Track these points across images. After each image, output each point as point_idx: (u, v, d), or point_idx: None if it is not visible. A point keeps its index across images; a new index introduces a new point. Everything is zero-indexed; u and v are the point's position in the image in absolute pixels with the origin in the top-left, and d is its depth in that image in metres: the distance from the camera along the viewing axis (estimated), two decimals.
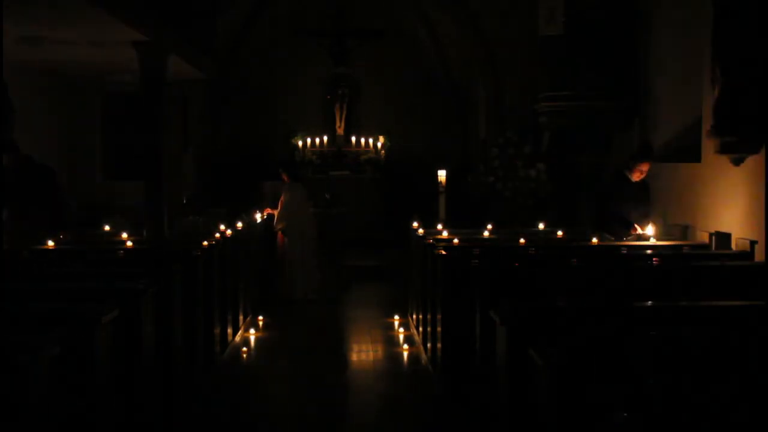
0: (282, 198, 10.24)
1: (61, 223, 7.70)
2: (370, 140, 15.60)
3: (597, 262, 6.59)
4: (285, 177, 10.33)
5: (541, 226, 9.04)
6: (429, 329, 7.04)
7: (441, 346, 6.23)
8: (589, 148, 9.99)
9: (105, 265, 6.37)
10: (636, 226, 7.59)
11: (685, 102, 8.82)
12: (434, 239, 7.53)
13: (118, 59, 9.38)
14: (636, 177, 7.72)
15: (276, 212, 10.27)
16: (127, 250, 7.17)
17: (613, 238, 7.57)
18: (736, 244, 6.92)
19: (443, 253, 6.42)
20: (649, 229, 7.51)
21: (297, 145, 15.46)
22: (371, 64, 15.82)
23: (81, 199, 12.42)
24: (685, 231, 7.82)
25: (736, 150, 6.97)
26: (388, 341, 8.02)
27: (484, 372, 4.86)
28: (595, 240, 7.31)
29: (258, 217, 10.62)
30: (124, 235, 8.25)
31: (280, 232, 10.21)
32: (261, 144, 15.73)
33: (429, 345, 7.05)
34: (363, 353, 7.70)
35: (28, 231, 7.16)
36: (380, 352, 7.63)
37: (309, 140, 15.53)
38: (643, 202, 7.86)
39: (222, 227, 8.50)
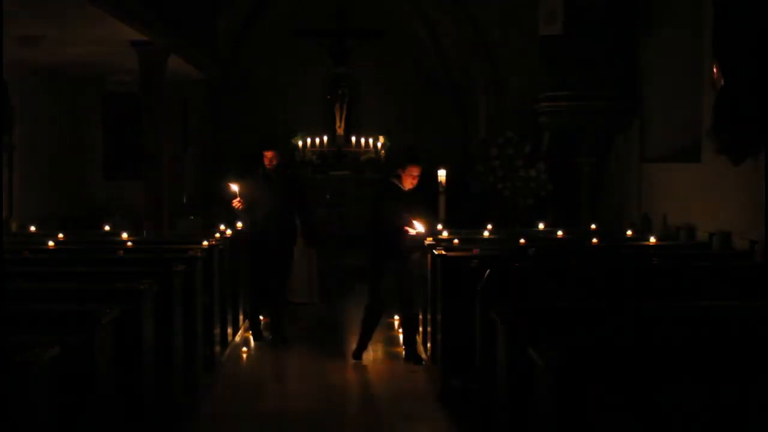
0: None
1: (312, 233, 8.13)
2: (370, 140, 15.60)
3: (597, 262, 6.58)
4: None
5: (541, 226, 9.05)
6: (429, 329, 7.03)
7: (441, 346, 6.23)
8: (589, 148, 9.99)
9: (105, 265, 6.37)
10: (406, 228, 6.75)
11: (685, 102, 8.82)
12: (434, 239, 7.52)
13: (118, 59, 9.39)
14: (407, 184, 6.93)
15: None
16: (127, 250, 7.16)
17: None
18: (736, 244, 6.92)
19: (443, 253, 6.41)
20: (418, 225, 6.67)
21: (297, 145, 15.45)
22: (371, 64, 15.82)
23: (81, 199, 12.44)
24: (685, 231, 7.82)
25: (735, 150, 6.97)
26: (388, 341, 8.01)
27: (484, 372, 4.85)
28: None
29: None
30: (125, 235, 8.25)
31: None
32: (261, 144, 15.70)
33: (429, 345, 7.05)
34: (363, 353, 7.68)
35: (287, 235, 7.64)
36: (380, 352, 7.63)
37: (309, 140, 15.52)
38: (416, 211, 6.86)
39: (222, 227, 8.50)
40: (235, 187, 7.62)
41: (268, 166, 7.77)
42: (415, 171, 6.90)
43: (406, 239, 6.77)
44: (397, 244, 6.83)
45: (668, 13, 9.17)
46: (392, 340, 8.03)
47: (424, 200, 7.19)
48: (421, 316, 7.73)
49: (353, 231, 11.69)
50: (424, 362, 7.09)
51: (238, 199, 7.61)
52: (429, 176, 7.13)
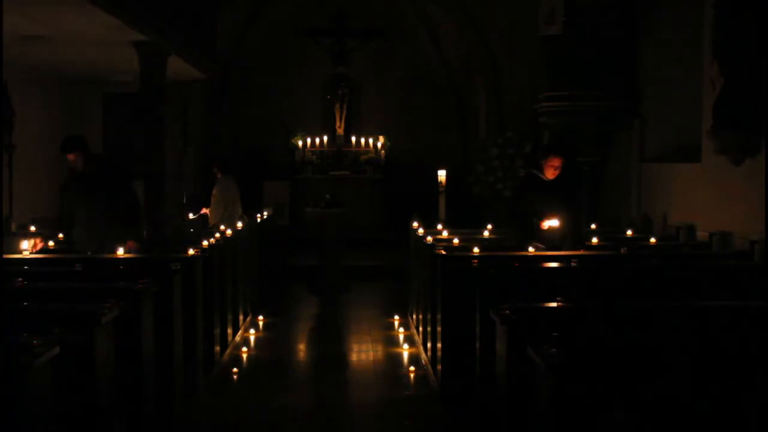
0: (213, 193, 10.19)
1: (138, 226, 7.22)
2: (370, 140, 15.60)
3: (597, 262, 6.58)
4: (217, 172, 10.29)
5: None
6: (429, 329, 7.04)
7: (441, 346, 6.23)
8: (589, 149, 9.99)
9: (105, 265, 6.37)
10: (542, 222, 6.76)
11: (685, 102, 8.83)
12: (434, 239, 7.52)
13: (118, 59, 9.38)
14: (549, 174, 6.82)
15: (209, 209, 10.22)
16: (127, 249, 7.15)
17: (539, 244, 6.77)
18: (736, 244, 6.93)
19: (443, 253, 6.41)
20: (554, 221, 6.71)
21: (297, 145, 15.46)
22: (371, 64, 15.83)
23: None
24: (685, 231, 7.82)
25: (735, 150, 6.98)
26: (388, 341, 8.02)
27: (484, 372, 4.85)
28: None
29: (192, 216, 10.61)
30: None
31: None
32: (261, 144, 15.74)
33: (429, 345, 7.05)
34: (363, 353, 7.69)
35: (109, 233, 6.79)
36: (380, 352, 7.63)
37: (309, 140, 15.53)
38: (568, 204, 6.85)
39: (222, 227, 8.51)
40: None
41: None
42: (555, 162, 6.71)
43: (542, 233, 6.75)
44: (535, 235, 6.81)
45: (668, 13, 9.17)
46: (392, 340, 8.03)
47: (568, 190, 6.93)
48: (421, 316, 7.73)
49: (353, 231, 11.70)
50: None
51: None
52: (573, 165, 6.98)
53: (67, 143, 6.82)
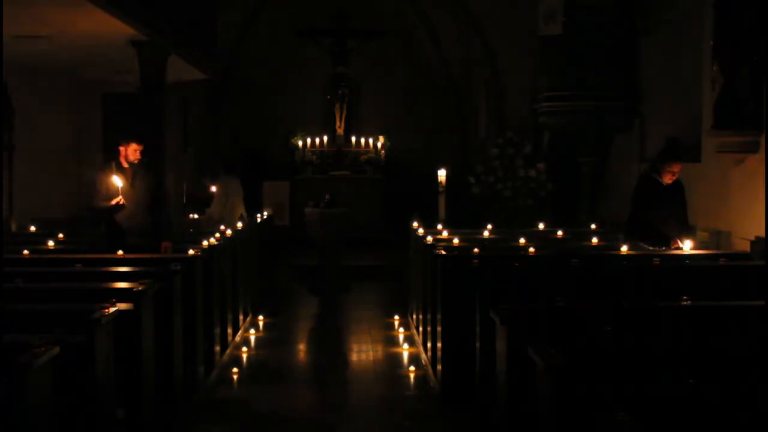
0: (215, 190, 10.09)
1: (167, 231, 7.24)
2: (370, 140, 15.60)
3: (597, 262, 6.58)
4: (221, 171, 10.17)
5: (541, 226, 9.05)
6: (429, 329, 7.04)
7: (441, 346, 6.23)
8: (589, 148, 10.00)
9: (105, 265, 6.37)
10: (677, 239, 6.77)
11: (685, 102, 8.83)
12: (434, 239, 7.53)
13: (118, 59, 9.38)
14: (667, 179, 6.81)
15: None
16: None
17: (649, 247, 6.92)
18: (736, 244, 6.92)
19: (443, 253, 6.41)
20: (687, 244, 6.73)
21: (297, 145, 15.46)
22: (371, 64, 15.83)
23: (81, 199, 12.44)
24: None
25: (735, 150, 6.98)
26: (388, 341, 8.02)
27: (484, 372, 4.86)
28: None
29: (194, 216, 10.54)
30: None
31: None
32: (261, 144, 15.74)
33: (429, 345, 7.05)
34: (363, 353, 7.69)
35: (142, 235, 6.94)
36: (380, 352, 7.63)
37: (309, 140, 15.53)
38: (680, 206, 6.94)
39: (222, 227, 8.50)
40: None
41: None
42: (676, 167, 6.70)
43: (669, 246, 6.70)
44: (649, 239, 6.84)
45: (668, 13, 9.17)
46: (392, 340, 8.03)
47: (679, 192, 6.88)
48: (421, 316, 7.73)
49: (353, 231, 11.69)
50: None
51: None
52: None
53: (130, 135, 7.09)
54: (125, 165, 7.03)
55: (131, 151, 7.00)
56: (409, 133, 15.85)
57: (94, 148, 12.89)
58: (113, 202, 6.88)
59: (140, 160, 7.09)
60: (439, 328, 6.33)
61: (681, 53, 8.93)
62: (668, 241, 6.77)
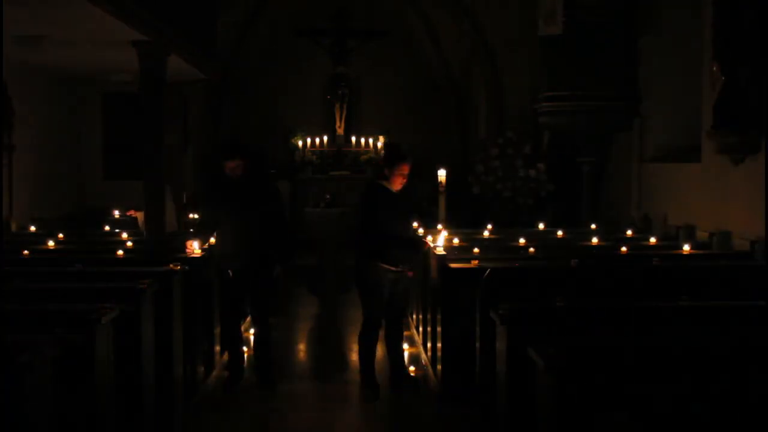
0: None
1: (287, 243, 6.72)
2: (370, 140, 15.60)
3: (597, 262, 6.58)
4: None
5: (541, 226, 9.05)
6: (429, 329, 7.04)
7: (441, 346, 6.23)
8: (589, 148, 9.99)
9: (105, 265, 6.37)
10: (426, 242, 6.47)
11: (685, 102, 8.84)
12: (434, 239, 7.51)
13: (118, 59, 9.37)
14: (398, 185, 6.20)
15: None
16: (127, 250, 7.17)
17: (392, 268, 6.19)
18: (736, 244, 6.92)
19: (443, 253, 6.41)
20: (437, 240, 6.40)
21: (297, 145, 15.46)
22: (371, 64, 15.82)
23: (81, 199, 12.44)
24: (684, 231, 7.82)
25: (735, 150, 6.99)
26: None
27: (484, 372, 4.86)
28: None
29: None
30: (124, 235, 8.25)
31: None
32: (261, 144, 15.72)
33: (429, 345, 7.05)
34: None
35: (259, 248, 6.40)
36: (380, 352, 7.62)
37: (309, 140, 15.52)
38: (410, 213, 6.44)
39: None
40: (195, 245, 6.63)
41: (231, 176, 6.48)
42: (406, 169, 6.15)
43: (402, 249, 6.15)
44: (391, 255, 6.12)
45: (668, 13, 9.17)
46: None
47: (417, 198, 6.49)
48: (421, 316, 7.72)
49: (353, 231, 11.70)
50: (419, 383, 6.51)
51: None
52: (414, 171, 6.20)
53: (228, 150, 6.45)
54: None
55: (228, 169, 6.38)
56: (409, 133, 15.81)
57: (94, 148, 12.90)
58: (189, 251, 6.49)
59: (252, 180, 6.47)
60: (439, 328, 6.33)
61: (681, 53, 8.93)
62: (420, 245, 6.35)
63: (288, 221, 6.96)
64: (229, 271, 6.48)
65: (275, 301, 6.91)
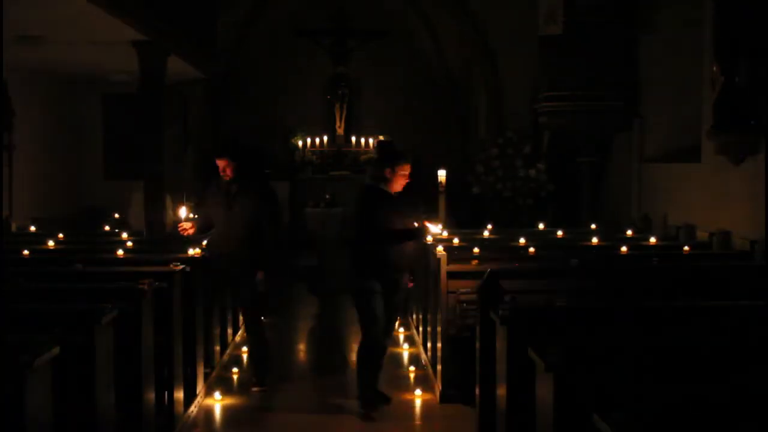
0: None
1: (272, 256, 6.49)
2: (370, 140, 15.60)
3: (597, 262, 6.58)
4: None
5: (541, 226, 9.05)
6: (429, 329, 7.03)
7: (441, 346, 6.23)
8: (589, 148, 9.99)
9: (105, 265, 6.36)
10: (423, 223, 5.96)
11: (685, 102, 8.83)
12: (434, 239, 7.51)
13: (118, 59, 9.38)
14: (398, 187, 5.85)
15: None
16: (127, 250, 7.16)
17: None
18: (736, 244, 6.92)
19: (443, 253, 6.41)
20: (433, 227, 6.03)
21: (297, 145, 15.45)
22: (371, 64, 15.82)
23: (81, 199, 12.45)
24: (684, 231, 7.82)
25: (735, 150, 6.98)
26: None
27: (484, 372, 4.85)
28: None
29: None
30: (124, 235, 8.25)
31: None
32: (260, 144, 15.72)
33: (429, 345, 7.05)
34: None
35: (245, 242, 6.29)
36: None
37: (309, 140, 15.52)
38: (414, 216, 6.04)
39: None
40: (183, 211, 6.65)
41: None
42: (407, 169, 5.79)
43: (401, 239, 5.80)
44: (392, 261, 5.76)
45: (668, 13, 9.17)
46: (392, 340, 8.02)
47: (418, 199, 6.13)
48: (421, 316, 7.72)
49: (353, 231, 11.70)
50: (390, 400, 6.08)
51: (190, 224, 6.56)
52: (414, 172, 5.85)
53: (217, 149, 6.47)
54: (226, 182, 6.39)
55: (220, 169, 6.35)
56: (409, 133, 15.82)
57: (94, 148, 12.91)
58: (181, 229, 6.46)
59: (242, 181, 6.38)
60: (439, 328, 6.33)
61: (681, 53, 8.92)
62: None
63: (277, 226, 6.86)
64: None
65: (264, 303, 6.81)
